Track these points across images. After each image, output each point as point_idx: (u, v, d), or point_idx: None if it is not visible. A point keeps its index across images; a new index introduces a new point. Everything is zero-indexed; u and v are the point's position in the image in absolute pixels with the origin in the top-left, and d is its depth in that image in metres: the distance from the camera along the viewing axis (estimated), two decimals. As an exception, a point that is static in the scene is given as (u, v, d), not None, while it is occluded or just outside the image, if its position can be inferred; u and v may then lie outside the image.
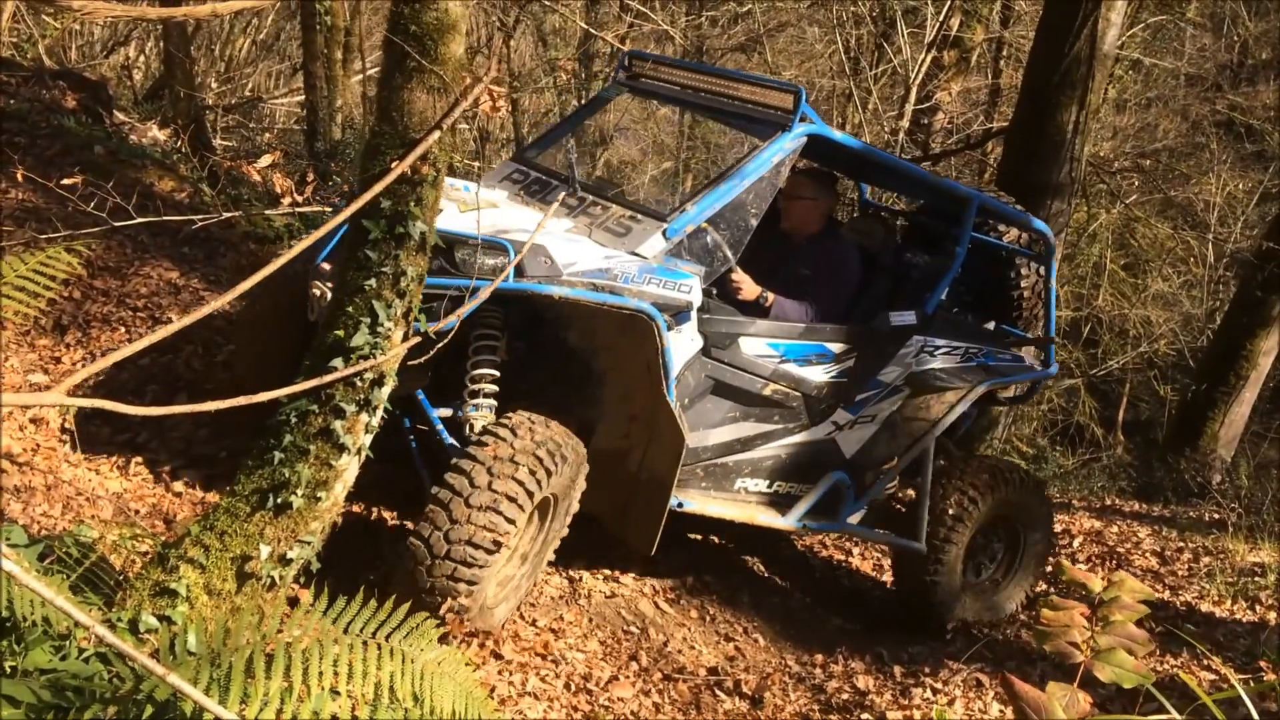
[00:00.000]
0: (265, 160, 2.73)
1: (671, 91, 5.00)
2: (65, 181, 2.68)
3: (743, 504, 4.67)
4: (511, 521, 3.57)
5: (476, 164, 14.95)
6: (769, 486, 4.74)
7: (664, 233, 4.10)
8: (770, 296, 4.60)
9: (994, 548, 5.43)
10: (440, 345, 2.96)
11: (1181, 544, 6.68)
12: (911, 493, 5.35)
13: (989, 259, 5.38)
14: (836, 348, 4.68)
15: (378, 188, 2.50)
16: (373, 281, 2.83)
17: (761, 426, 4.62)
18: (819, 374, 4.66)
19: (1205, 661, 4.90)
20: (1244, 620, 5.57)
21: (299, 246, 2.22)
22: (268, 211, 5.51)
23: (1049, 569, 5.50)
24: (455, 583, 3.51)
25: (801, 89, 4.40)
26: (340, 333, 2.84)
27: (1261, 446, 10.81)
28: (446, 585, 3.51)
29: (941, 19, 11.81)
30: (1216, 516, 7.49)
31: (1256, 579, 5.99)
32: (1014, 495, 5.19)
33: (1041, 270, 5.34)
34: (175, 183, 6.62)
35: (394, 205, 2.80)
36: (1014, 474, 5.29)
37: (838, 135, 4.64)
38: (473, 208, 3.92)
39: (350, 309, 2.85)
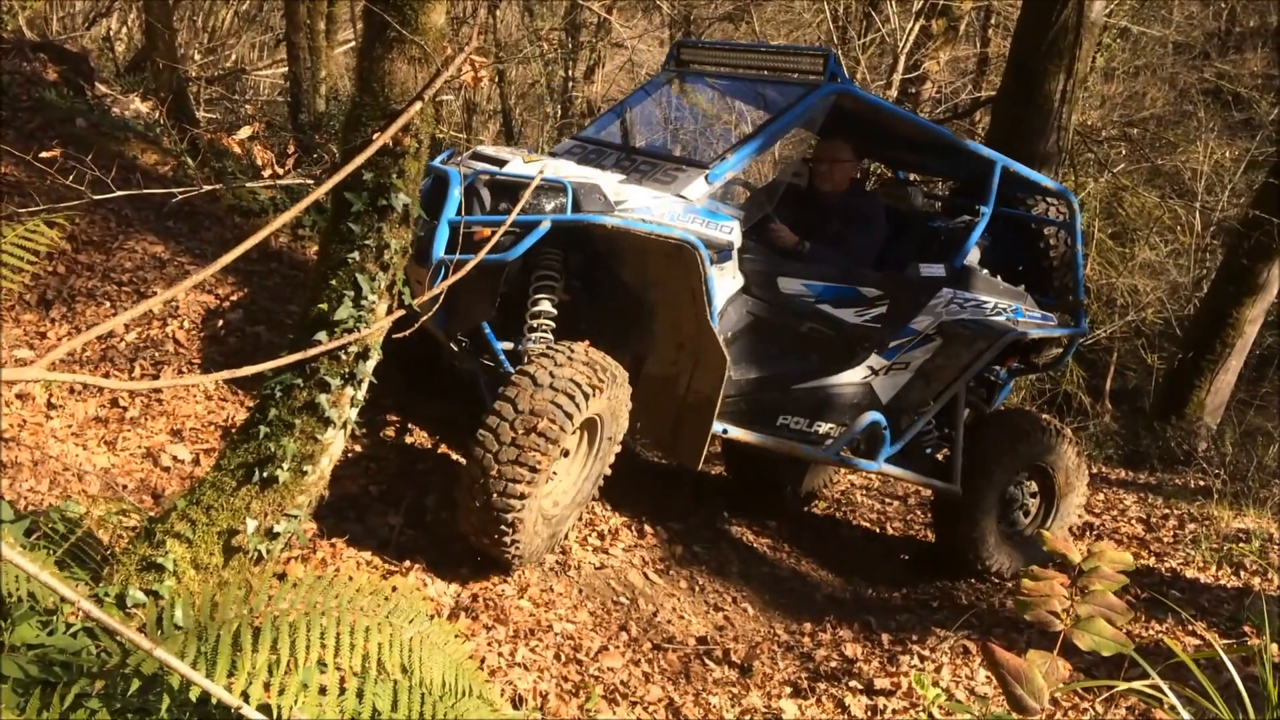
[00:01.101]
0: (245, 132, 2.70)
1: (716, 72, 5.46)
2: (44, 155, 2.65)
3: (784, 437, 4.97)
4: (569, 415, 3.88)
5: (464, 136, 14.84)
6: (809, 425, 5.02)
7: (706, 178, 4.49)
8: (807, 245, 4.95)
9: (1028, 500, 5.63)
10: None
11: (1167, 511, 6.73)
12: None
13: (1022, 232, 5.67)
14: (868, 292, 4.97)
15: (359, 160, 2.48)
16: (356, 254, 2.81)
17: (801, 365, 4.94)
18: (852, 315, 4.95)
19: (1190, 627, 4.95)
20: (1228, 586, 5.62)
21: (281, 219, 2.20)
22: (249, 184, 5.48)
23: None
24: (520, 467, 3.82)
25: (832, 52, 4.81)
26: (324, 306, 2.83)
27: (1247, 414, 10.86)
28: (513, 470, 3.82)
29: (930, -13, 11.72)
30: (1202, 483, 7.54)
31: (1241, 545, 6.05)
32: (1047, 445, 5.45)
33: (1068, 238, 5.59)
34: (158, 156, 6.56)
35: (376, 177, 2.78)
36: (1047, 425, 5.52)
37: (866, 94, 5.05)
38: (535, 159, 4.38)
39: (334, 282, 2.83)
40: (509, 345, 4.40)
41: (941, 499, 5.52)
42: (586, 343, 4.20)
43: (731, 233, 4.52)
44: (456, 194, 4.12)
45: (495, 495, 3.85)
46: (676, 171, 4.54)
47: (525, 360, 4.25)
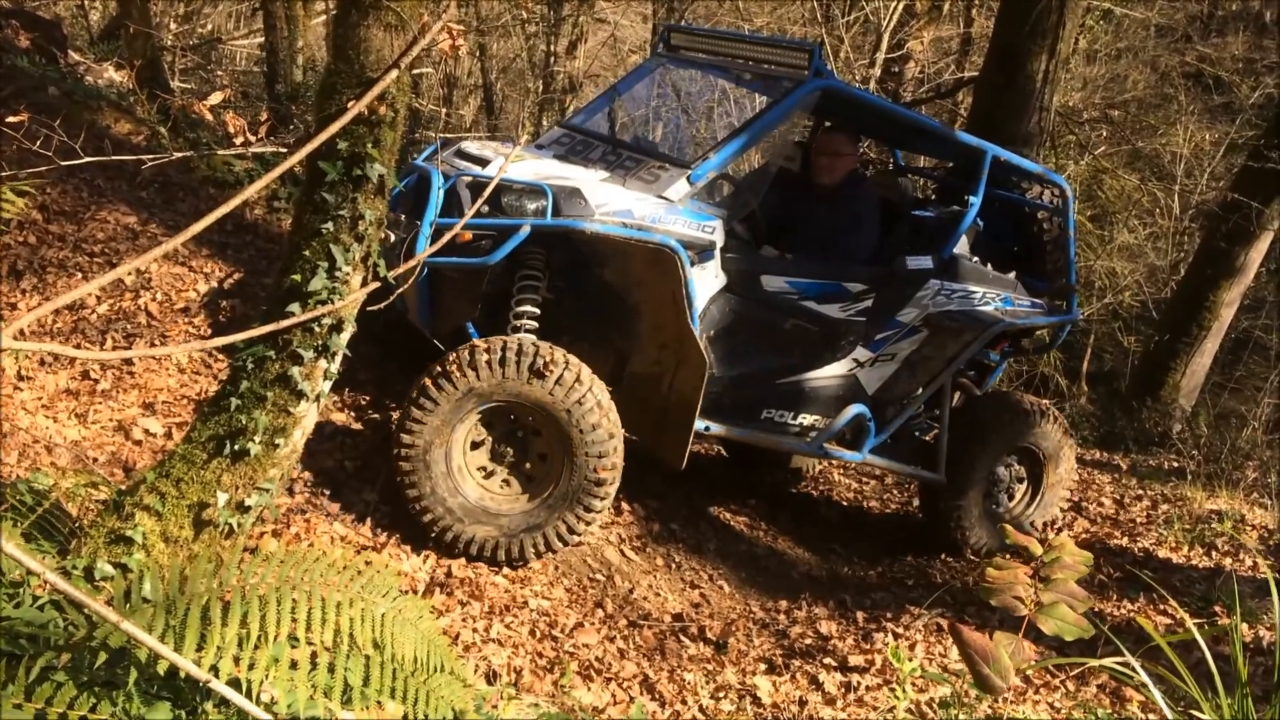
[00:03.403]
0: (215, 98, 2.63)
1: (704, 59, 5.44)
2: (10, 119, 2.59)
3: (767, 431, 4.98)
4: (477, 367, 4.02)
5: (444, 110, 14.72)
6: (794, 418, 5.02)
7: (688, 178, 4.46)
8: (789, 258, 4.95)
9: (1015, 482, 5.66)
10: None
11: (1141, 491, 6.78)
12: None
13: (1016, 216, 5.69)
14: (854, 287, 4.95)
15: (333, 128, 2.43)
16: (330, 225, 2.77)
17: (784, 360, 4.93)
18: (837, 310, 4.93)
19: (1162, 606, 4.99)
20: (1200, 566, 5.68)
21: (253, 187, 2.16)
22: (220, 152, 5.41)
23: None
24: (422, 395, 4.04)
25: (816, 46, 4.77)
26: (297, 277, 2.78)
27: (1222, 397, 10.93)
28: (417, 398, 4.07)
29: (914, -34, 11.69)
30: (1176, 465, 7.60)
31: (1213, 526, 6.10)
32: (1035, 427, 5.48)
33: (1061, 221, 5.59)
34: (132, 125, 6.46)
35: (351, 146, 2.74)
36: (1032, 408, 5.53)
37: (851, 88, 5.07)
38: (518, 159, 4.41)
39: (307, 253, 2.79)
40: None
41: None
42: (509, 340, 4.22)
43: (714, 232, 4.51)
44: (439, 195, 4.17)
45: (401, 420, 4.08)
46: (660, 170, 4.52)
47: None
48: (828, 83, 4.72)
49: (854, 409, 5.06)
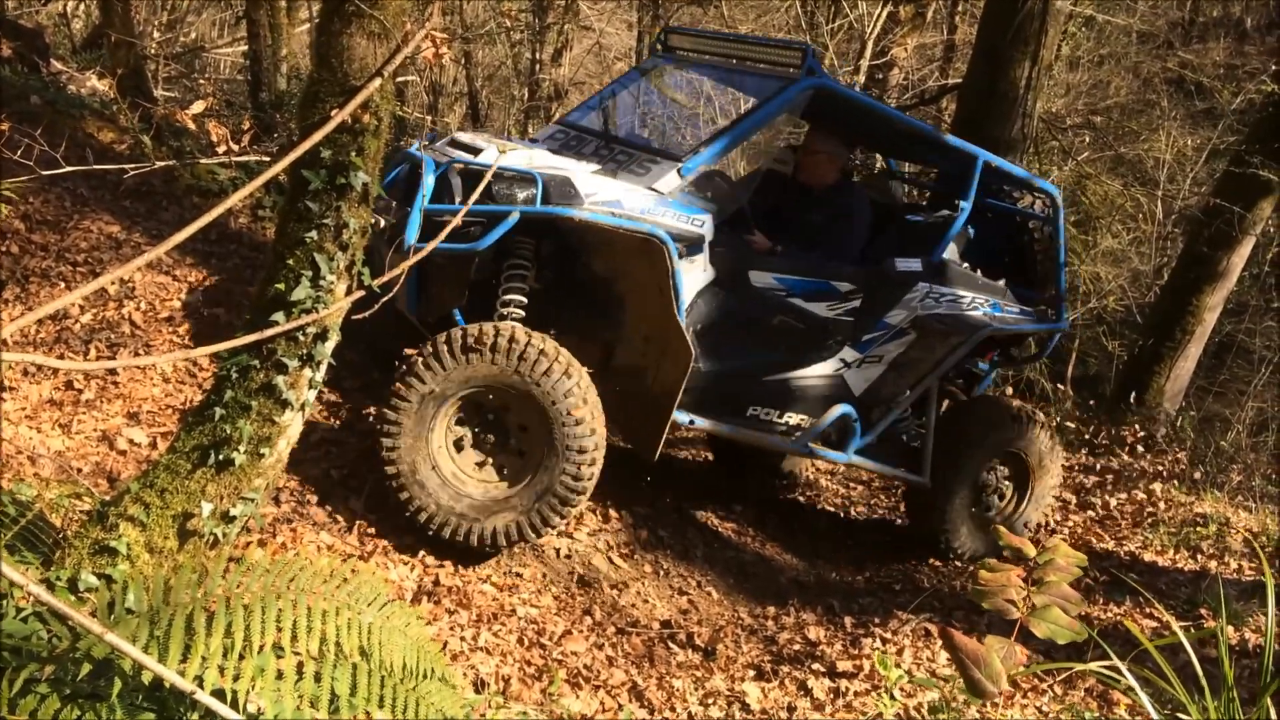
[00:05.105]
0: (198, 106, 2.63)
1: (701, 59, 5.51)
2: (-7, 129, 2.58)
3: (753, 428, 4.99)
4: (441, 359, 4.07)
5: (429, 117, 14.70)
6: (780, 416, 5.03)
7: (679, 171, 4.49)
8: (779, 249, 4.95)
9: (1002, 485, 5.66)
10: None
11: (1125, 495, 6.80)
12: None
13: (1007, 225, 5.73)
14: (842, 286, 4.97)
15: (317, 136, 2.43)
16: (314, 234, 2.76)
17: (771, 356, 4.95)
18: (824, 309, 4.95)
19: (1148, 609, 5.01)
20: (1185, 569, 5.70)
21: (236, 196, 2.15)
22: (204, 161, 5.39)
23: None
24: (399, 383, 4.12)
25: (809, 46, 4.82)
26: (281, 286, 2.77)
27: (1206, 400, 10.99)
28: (392, 399, 4.12)
29: (898, -27, 11.74)
30: (1160, 468, 7.63)
31: (1198, 529, 6.13)
32: (1020, 432, 5.49)
33: (1051, 230, 5.61)
34: (115, 134, 6.44)
35: (335, 155, 2.73)
36: (1019, 412, 5.55)
37: (844, 88, 5.10)
38: (510, 148, 4.42)
39: (291, 262, 2.78)
40: None
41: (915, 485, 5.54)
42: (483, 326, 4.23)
43: (703, 226, 4.52)
44: (430, 181, 4.18)
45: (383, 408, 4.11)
46: (650, 163, 4.55)
47: None
48: (820, 81, 4.74)
49: (840, 409, 5.07)
